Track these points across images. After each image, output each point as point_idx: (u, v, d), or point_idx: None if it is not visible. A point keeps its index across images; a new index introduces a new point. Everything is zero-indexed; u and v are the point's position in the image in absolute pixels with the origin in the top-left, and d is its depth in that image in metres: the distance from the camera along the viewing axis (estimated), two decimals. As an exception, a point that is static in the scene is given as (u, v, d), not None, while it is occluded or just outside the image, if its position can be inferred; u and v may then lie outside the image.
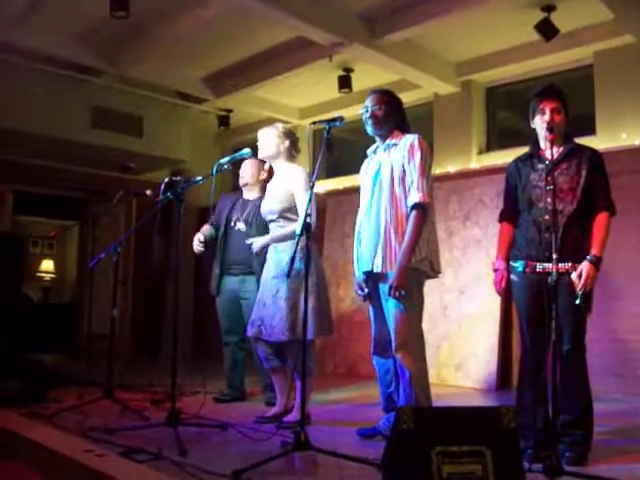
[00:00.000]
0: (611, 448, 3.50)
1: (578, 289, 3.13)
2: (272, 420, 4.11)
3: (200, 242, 4.93)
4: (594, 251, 3.17)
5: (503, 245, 3.51)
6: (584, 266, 3.13)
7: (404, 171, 3.55)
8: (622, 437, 3.87)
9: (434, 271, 3.63)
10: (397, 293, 3.41)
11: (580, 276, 3.13)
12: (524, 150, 3.54)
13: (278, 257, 4.14)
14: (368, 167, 3.84)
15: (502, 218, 3.59)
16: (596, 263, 3.15)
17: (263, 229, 4.61)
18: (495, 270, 3.50)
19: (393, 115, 3.74)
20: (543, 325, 3.08)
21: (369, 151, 3.88)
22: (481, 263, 6.12)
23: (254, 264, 4.67)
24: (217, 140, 9.51)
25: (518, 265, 3.36)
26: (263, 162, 4.87)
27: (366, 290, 3.70)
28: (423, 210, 3.49)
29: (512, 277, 3.42)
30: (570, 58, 6.30)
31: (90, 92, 7.21)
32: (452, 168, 6.78)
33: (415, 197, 3.48)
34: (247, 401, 5.00)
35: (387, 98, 3.77)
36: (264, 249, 4.22)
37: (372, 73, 6.75)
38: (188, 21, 5.69)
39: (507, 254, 3.46)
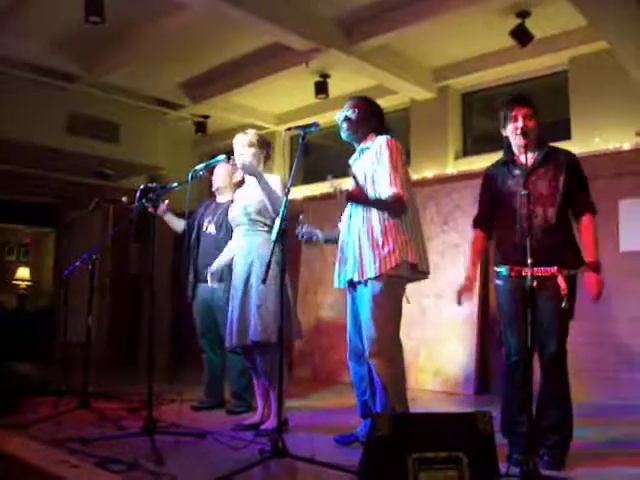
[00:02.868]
0: (589, 452, 3.51)
1: (563, 292, 3.15)
2: (250, 428, 4.08)
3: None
4: (590, 258, 3.23)
5: (475, 254, 3.53)
6: (590, 278, 3.20)
7: (374, 172, 3.51)
8: (601, 440, 3.89)
9: (419, 272, 3.56)
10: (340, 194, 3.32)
11: (566, 282, 3.16)
12: (500, 155, 3.55)
13: (246, 260, 4.14)
14: (351, 175, 3.78)
15: (476, 224, 3.58)
16: (596, 269, 3.21)
17: (232, 232, 4.62)
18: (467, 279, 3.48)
19: (368, 120, 3.70)
20: (526, 329, 3.08)
21: (350, 161, 3.83)
22: (459, 268, 6.13)
23: (224, 272, 4.66)
24: (194, 146, 9.47)
25: (502, 270, 3.35)
26: (236, 166, 4.87)
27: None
28: (398, 200, 3.40)
29: (497, 282, 3.43)
30: (545, 64, 6.35)
31: (66, 98, 7.15)
32: (429, 173, 6.80)
33: (388, 191, 3.40)
34: (225, 408, 4.95)
35: (362, 103, 3.74)
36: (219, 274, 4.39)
37: (349, 79, 6.76)
38: (165, 27, 5.65)
39: (478, 262, 3.51)
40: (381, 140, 3.56)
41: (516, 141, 3.34)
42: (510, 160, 3.43)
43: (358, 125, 3.69)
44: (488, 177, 3.55)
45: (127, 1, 5.23)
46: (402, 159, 3.55)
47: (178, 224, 5.28)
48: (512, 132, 3.36)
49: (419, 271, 3.57)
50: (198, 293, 5.03)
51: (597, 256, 3.24)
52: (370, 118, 3.71)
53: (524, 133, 3.23)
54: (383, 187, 3.45)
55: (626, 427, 4.33)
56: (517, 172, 3.36)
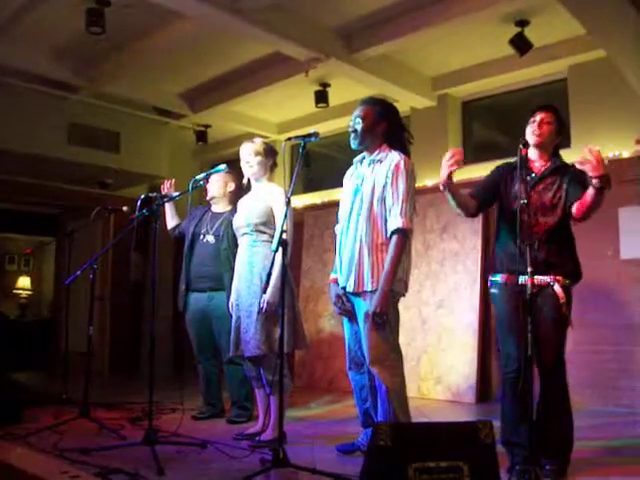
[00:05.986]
0: (590, 460, 3.51)
1: (562, 300, 3.15)
2: (251, 437, 4.07)
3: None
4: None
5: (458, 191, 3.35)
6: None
7: (385, 191, 3.48)
8: (601, 449, 3.88)
9: (406, 289, 3.60)
10: (378, 319, 3.37)
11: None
12: (500, 163, 3.55)
13: (251, 271, 4.13)
14: (351, 178, 3.75)
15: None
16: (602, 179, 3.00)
17: (233, 242, 4.60)
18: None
19: (378, 128, 3.61)
20: (522, 338, 3.07)
21: (356, 159, 3.77)
22: (459, 276, 6.14)
23: (225, 279, 4.65)
24: (195, 155, 9.47)
25: (498, 278, 3.35)
26: (230, 175, 4.89)
27: (347, 305, 3.61)
28: (405, 236, 3.43)
29: (492, 290, 3.41)
30: (544, 72, 6.36)
31: (66, 108, 7.15)
32: (429, 182, 6.79)
33: (397, 222, 3.40)
34: (225, 417, 4.94)
35: (370, 111, 3.63)
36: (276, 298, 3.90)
37: (349, 88, 6.77)
38: (165, 37, 5.67)
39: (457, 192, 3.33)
40: (397, 160, 3.50)
41: (530, 141, 3.35)
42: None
43: (364, 136, 3.60)
44: (500, 171, 3.51)
45: (127, 11, 5.24)
46: (414, 182, 3.54)
47: (172, 219, 5.25)
48: (528, 135, 3.37)
49: (407, 288, 3.59)
50: (191, 303, 4.96)
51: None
52: (378, 126, 3.61)
53: (525, 142, 3.23)
54: (393, 213, 3.44)
55: (627, 435, 4.33)
56: (527, 178, 3.33)
